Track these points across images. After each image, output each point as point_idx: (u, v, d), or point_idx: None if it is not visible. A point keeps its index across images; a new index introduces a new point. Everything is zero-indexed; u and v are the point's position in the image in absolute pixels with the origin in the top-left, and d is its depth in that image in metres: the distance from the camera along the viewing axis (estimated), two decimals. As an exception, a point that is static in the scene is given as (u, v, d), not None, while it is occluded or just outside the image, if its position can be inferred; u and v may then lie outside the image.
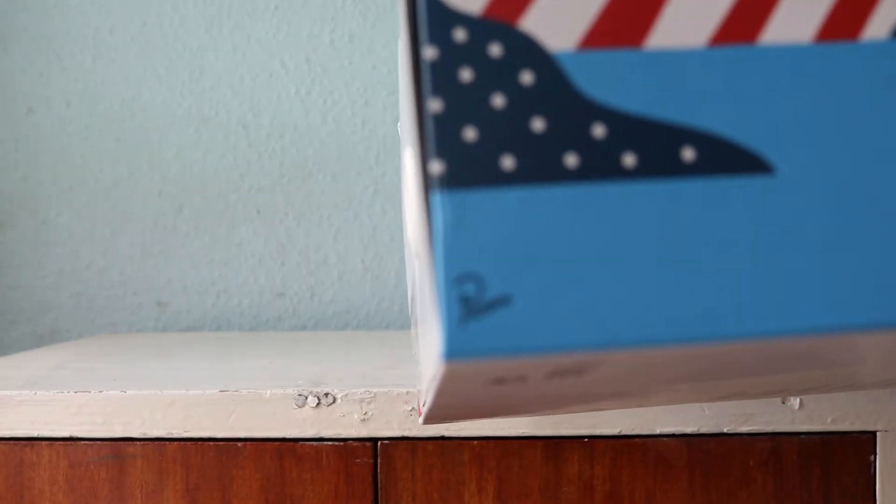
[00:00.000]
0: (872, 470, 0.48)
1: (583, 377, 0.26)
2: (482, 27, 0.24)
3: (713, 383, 0.31)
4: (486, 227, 0.22)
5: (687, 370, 0.27)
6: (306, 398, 0.49)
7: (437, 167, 0.23)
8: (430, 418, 0.36)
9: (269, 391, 0.49)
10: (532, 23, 0.24)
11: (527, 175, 0.23)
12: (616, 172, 0.23)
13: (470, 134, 0.23)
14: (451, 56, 0.23)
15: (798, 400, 0.48)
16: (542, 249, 0.23)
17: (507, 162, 0.23)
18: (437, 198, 0.23)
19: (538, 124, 0.23)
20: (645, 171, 0.23)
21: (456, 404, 0.30)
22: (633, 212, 0.23)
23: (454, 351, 0.22)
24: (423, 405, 0.33)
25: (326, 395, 0.49)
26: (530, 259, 0.23)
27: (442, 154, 0.23)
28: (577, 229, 0.23)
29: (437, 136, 0.23)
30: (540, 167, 0.23)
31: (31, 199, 0.93)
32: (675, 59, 0.24)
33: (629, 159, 0.23)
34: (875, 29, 0.24)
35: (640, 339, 0.22)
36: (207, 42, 0.93)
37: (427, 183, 0.23)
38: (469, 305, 0.22)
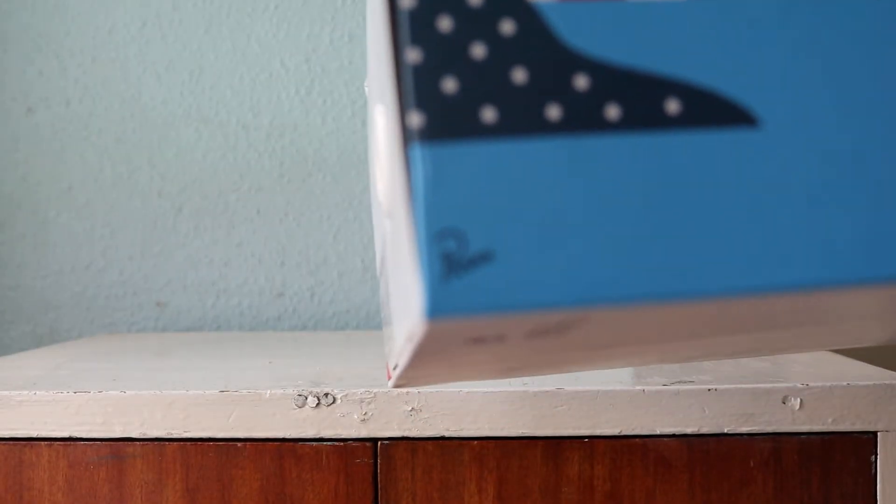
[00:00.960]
0: (873, 470, 0.48)
1: (563, 337, 0.25)
2: None
3: (697, 342, 0.31)
4: (466, 181, 0.22)
5: (671, 329, 0.26)
6: (306, 398, 0.48)
7: (415, 119, 0.22)
8: (401, 381, 0.35)
9: (268, 391, 0.49)
10: None
11: (508, 127, 0.22)
12: (599, 125, 0.23)
13: (449, 85, 0.22)
14: (429, 4, 0.22)
15: (798, 400, 0.48)
16: (524, 203, 0.22)
17: (488, 114, 0.22)
18: (417, 151, 0.22)
19: (519, 75, 0.23)
20: (629, 123, 0.23)
21: (430, 365, 0.30)
22: (616, 165, 0.22)
23: (436, 309, 0.21)
24: (395, 368, 0.32)
25: (326, 395, 0.48)
26: (512, 214, 0.22)
27: (421, 106, 0.22)
28: (560, 183, 0.22)
29: (415, 88, 0.22)
30: (521, 119, 0.22)
31: (30, 199, 0.93)
32: (659, 6, 0.23)
33: (613, 111, 0.23)
34: None
35: (626, 295, 0.22)
36: (207, 42, 0.93)
37: (405, 136, 0.22)
38: (450, 262, 0.21)
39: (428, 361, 0.28)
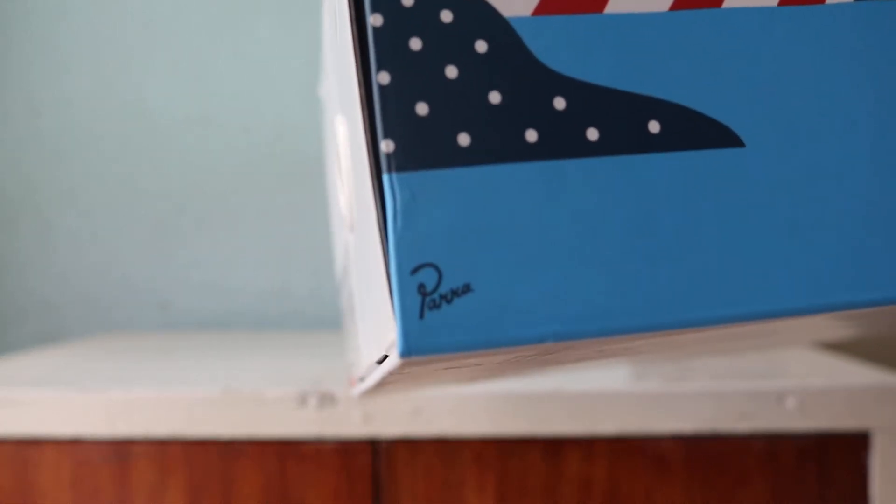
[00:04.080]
0: (868, 469, 0.48)
1: (541, 358, 0.25)
2: None
3: (664, 350, 0.31)
4: (442, 211, 0.21)
5: (652, 345, 0.26)
6: (308, 398, 0.49)
7: (387, 146, 0.21)
8: (367, 393, 0.34)
9: (271, 391, 0.49)
10: None
11: (484, 153, 0.21)
12: (579, 148, 0.22)
13: (422, 109, 0.21)
14: (399, 23, 0.21)
15: (795, 400, 0.48)
16: (502, 233, 0.21)
17: (463, 139, 0.21)
18: (388, 180, 0.21)
19: (495, 97, 0.21)
20: (609, 145, 0.22)
21: (398, 383, 0.29)
22: (598, 190, 0.21)
23: (412, 347, 0.20)
24: (361, 380, 0.32)
25: (328, 395, 0.49)
26: (490, 244, 0.21)
27: (392, 132, 0.21)
28: (540, 210, 0.21)
29: (385, 113, 0.21)
30: (498, 144, 0.21)
31: (34, 200, 0.94)
32: (638, 23, 0.22)
33: (592, 133, 0.22)
34: None
35: (612, 326, 0.21)
36: (209, 43, 0.93)
37: (376, 164, 0.21)
38: (426, 297, 0.20)
39: (396, 380, 0.28)
